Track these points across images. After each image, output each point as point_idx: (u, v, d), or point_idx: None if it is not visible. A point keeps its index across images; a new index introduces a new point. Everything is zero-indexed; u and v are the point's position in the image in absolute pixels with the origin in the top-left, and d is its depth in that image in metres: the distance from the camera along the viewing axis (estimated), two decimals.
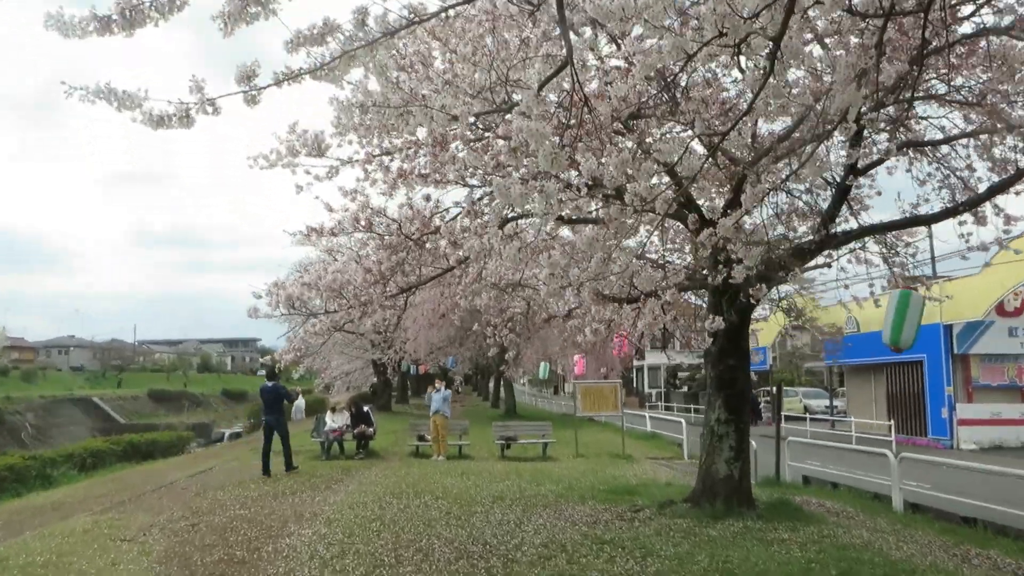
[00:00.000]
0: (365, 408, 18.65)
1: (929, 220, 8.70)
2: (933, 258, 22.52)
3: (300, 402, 17.89)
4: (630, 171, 6.04)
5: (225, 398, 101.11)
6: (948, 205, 8.89)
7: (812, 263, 9.19)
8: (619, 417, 21.25)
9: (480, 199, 7.99)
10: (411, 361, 39.16)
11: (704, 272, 9.62)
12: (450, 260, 9.84)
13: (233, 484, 12.99)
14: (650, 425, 24.41)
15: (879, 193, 10.42)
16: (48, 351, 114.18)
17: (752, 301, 9.26)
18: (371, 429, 17.81)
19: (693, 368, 55.90)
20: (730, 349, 9.64)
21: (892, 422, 24.77)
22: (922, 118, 9.35)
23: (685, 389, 56.74)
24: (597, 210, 8.38)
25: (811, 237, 8.52)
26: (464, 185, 8.04)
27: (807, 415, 34.23)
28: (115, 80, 4.40)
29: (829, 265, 9.07)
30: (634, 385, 61.53)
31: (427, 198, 7.97)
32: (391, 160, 8.28)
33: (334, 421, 17.46)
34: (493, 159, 6.78)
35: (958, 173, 9.44)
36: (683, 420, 20.68)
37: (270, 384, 15.76)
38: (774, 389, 41.26)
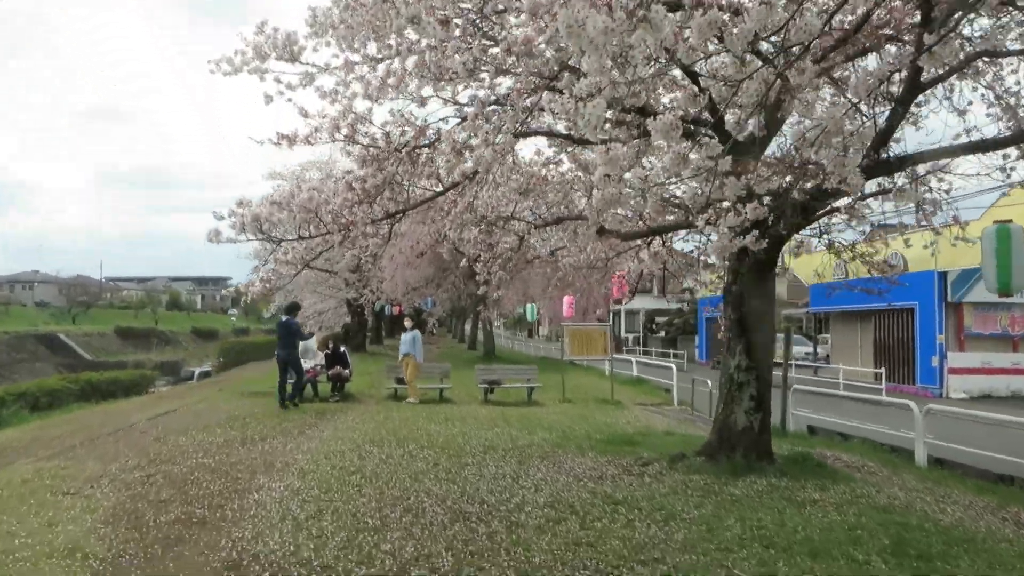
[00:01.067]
0: (341, 349, 17.55)
1: (991, 146, 7.65)
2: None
3: (311, 343, 16.98)
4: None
5: (195, 336, 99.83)
6: (1009, 131, 7.83)
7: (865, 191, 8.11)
8: (604, 361, 20.43)
9: (493, 102, 6.74)
10: (387, 301, 38.05)
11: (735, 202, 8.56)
12: (444, 180, 8.69)
13: (197, 428, 11.90)
14: (636, 370, 23.62)
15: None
16: (12, 286, 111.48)
17: (785, 233, 8.23)
18: (347, 371, 16.76)
19: (672, 313, 55.42)
20: (755, 289, 8.62)
21: (883, 370, 24.18)
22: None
23: (663, 334, 56.36)
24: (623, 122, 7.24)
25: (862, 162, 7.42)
26: (468, 83, 6.79)
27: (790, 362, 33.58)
28: None
29: (888, 191, 8.00)
30: (612, 329, 60.99)
31: (422, 102, 6.74)
32: (377, 66, 7.06)
33: (305, 361, 16.35)
34: (508, 48, 5.58)
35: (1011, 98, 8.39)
36: (674, 366, 19.85)
37: (284, 319, 16.03)
38: None
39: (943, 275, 24.32)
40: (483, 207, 11.54)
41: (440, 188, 8.70)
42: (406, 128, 6.83)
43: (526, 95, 5.79)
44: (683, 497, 7.39)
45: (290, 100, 7.17)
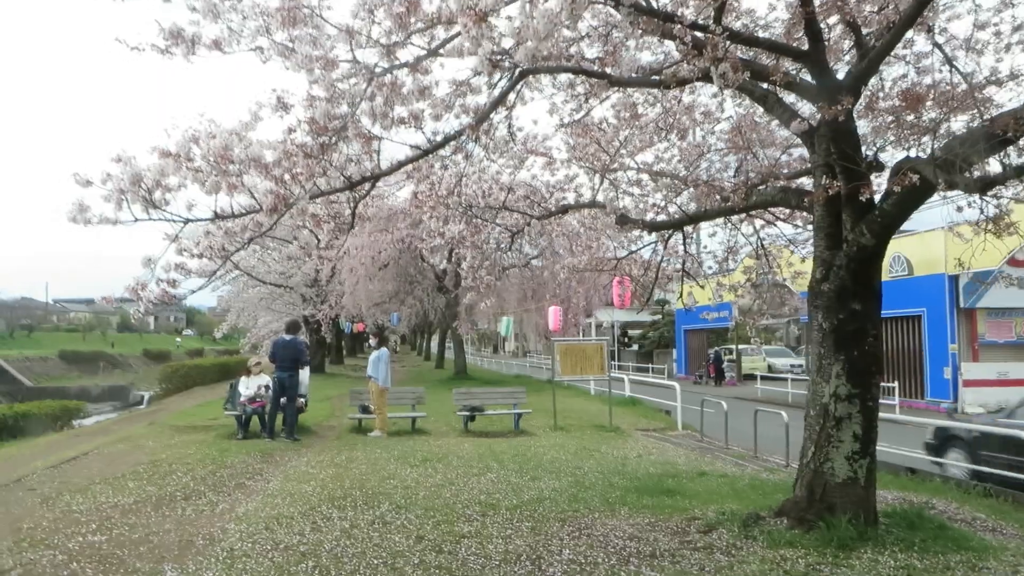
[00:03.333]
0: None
1: None
2: None
3: (306, 374, 14.20)
4: None
5: (146, 359, 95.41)
6: None
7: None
8: (591, 381, 18.09)
9: None
10: (348, 318, 35.32)
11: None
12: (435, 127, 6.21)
13: (105, 481, 9.24)
14: (629, 389, 21.24)
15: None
16: None
17: (904, 209, 5.94)
18: (303, 399, 14.09)
19: (646, 326, 53.33)
20: (856, 288, 6.29)
21: (896, 383, 22.15)
22: None
23: (636, 348, 54.25)
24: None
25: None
26: None
27: (760, 374, 31.52)
28: None
29: None
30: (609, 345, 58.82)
31: None
32: None
33: (248, 387, 13.68)
34: None
35: None
36: (676, 385, 17.52)
37: (288, 338, 13.71)
38: (735, 348, 39.12)
39: (954, 278, 22.46)
40: (472, 186, 9.13)
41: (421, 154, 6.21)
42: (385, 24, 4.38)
43: None
44: None
45: None
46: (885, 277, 21.96)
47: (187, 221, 4.88)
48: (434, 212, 8.14)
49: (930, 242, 23.01)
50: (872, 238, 6.08)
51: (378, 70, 4.49)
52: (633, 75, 6.19)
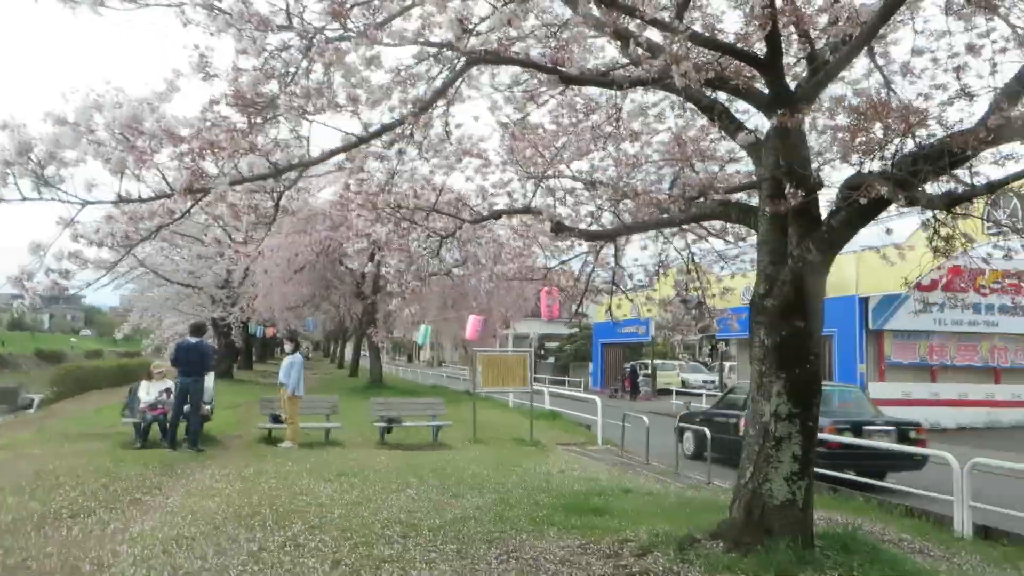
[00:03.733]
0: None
1: None
2: None
3: (210, 380, 13.24)
4: None
5: (39, 359, 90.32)
6: None
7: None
8: (515, 393, 17.78)
9: None
10: (259, 322, 34.11)
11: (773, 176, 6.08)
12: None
13: None
14: (548, 402, 20.99)
15: None
16: None
17: (852, 226, 5.81)
18: (208, 407, 13.24)
19: (563, 339, 53.49)
20: (798, 303, 6.13)
21: None
22: None
23: (552, 360, 54.31)
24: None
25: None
26: None
27: (674, 389, 31.98)
28: None
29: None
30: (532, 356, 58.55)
31: None
32: None
33: (149, 393, 12.79)
34: None
35: None
36: (597, 399, 17.35)
37: (193, 341, 12.89)
38: (651, 363, 39.56)
39: (864, 300, 23.15)
40: (400, 194, 8.67)
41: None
42: None
43: None
44: None
45: None
46: None
47: (85, 203, 4.27)
48: (361, 210, 7.64)
49: (842, 265, 23.67)
50: (819, 254, 5.94)
51: (322, 36, 4.01)
52: (586, 72, 5.88)
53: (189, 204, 4.28)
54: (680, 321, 12.25)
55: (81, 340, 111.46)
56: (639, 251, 11.28)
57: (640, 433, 14.89)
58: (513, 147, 8.51)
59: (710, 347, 49.66)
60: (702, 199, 8.14)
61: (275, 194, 5.37)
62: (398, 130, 5.12)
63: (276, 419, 13.75)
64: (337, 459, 11.69)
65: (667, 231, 10.56)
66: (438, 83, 5.27)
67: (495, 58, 5.19)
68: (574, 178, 9.54)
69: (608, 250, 11.14)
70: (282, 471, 10.34)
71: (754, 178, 8.67)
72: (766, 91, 6.02)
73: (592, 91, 8.59)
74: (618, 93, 8.36)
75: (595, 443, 16.30)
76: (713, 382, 38.40)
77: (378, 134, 5.16)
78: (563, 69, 5.47)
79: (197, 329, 12.93)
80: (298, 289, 28.15)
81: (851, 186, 5.39)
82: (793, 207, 5.94)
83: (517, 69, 7.15)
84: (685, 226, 10.50)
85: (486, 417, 18.36)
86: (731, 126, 6.80)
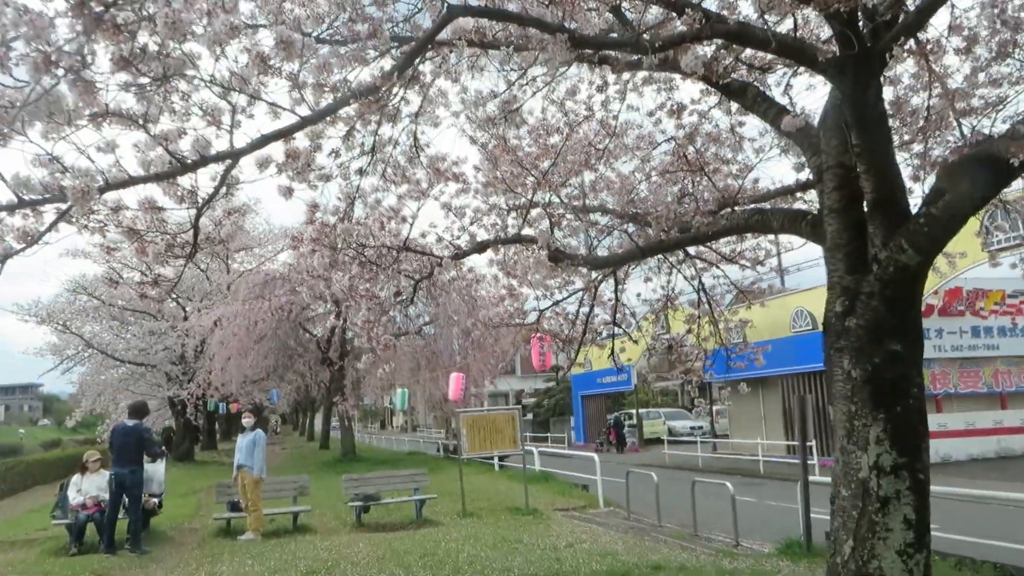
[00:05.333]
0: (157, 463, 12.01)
1: None
2: None
3: (159, 468, 11.32)
4: None
5: None
6: None
7: None
8: (507, 455, 16.14)
9: None
10: (220, 398, 32.00)
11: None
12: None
13: None
14: (539, 463, 19.30)
15: None
16: None
17: (961, 213, 4.48)
18: (155, 500, 11.41)
19: (540, 394, 51.74)
20: (892, 319, 4.74)
21: (814, 442, 21.23)
22: None
23: (530, 417, 52.39)
24: None
25: None
26: None
27: (667, 438, 30.36)
28: None
29: None
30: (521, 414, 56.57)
31: None
32: None
33: (82, 489, 10.96)
34: None
35: None
36: (595, 456, 15.74)
37: (130, 424, 10.91)
38: (635, 413, 38.00)
39: None
40: (363, 230, 7.24)
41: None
42: None
43: None
44: None
45: None
46: (787, 333, 21.04)
47: None
48: (316, 246, 6.17)
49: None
50: (915, 254, 4.57)
51: None
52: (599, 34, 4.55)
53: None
54: (666, 365, 10.87)
55: (39, 430, 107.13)
56: (641, 285, 9.95)
57: (642, 490, 13.39)
58: (498, 158, 7.13)
59: (695, 391, 48.22)
60: (728, 210, 6.82)
61: (190, 212, 3.92)
62: (369, 97, 3.69)
63: (235, 507, 11.93)
64: (306, 551, 9.94)
65: (672, 258, 9.24)
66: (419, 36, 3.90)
67: (481, 10, 3.84)
68: (567, 204, 8.18)
69: (606, 287, 9.78)
70: (240, 574, 8.58)
71: (781, 185, 7.42)
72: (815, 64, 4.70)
73: (585, 95, 7.32)
74: (613, 96, 7.11)
75: (596, 505, 14.67)
76: (701, 428, 36.84)
77: (331, 111, 3.73)
78: (574, 28, 4.11)
79: (136, 411, 11.14)
80: (259, 360, 26.29)
81: (979, 156, 4.07)
82: (873, 198, 4.62)
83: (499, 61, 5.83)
84: (693, 253, 9.22)
85: (473, 484, 16.66)
86: (771, 111, 5.51)
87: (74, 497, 10.93)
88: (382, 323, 8.30)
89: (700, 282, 9.45)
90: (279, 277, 25.46)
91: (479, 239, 7.76)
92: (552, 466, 19.88)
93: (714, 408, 36.93)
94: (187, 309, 28.88)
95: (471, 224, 7.78)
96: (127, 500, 10.45)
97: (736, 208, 6.85)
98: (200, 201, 3.65)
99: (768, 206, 6.96)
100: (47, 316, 28.60)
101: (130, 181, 3.13)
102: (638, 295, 9.79)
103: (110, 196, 3.40)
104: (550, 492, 16.32)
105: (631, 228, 8.49)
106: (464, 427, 13.63)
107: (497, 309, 9.17)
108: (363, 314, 7.66)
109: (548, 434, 41.62)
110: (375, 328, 7.76)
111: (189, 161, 3.24)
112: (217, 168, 3.74)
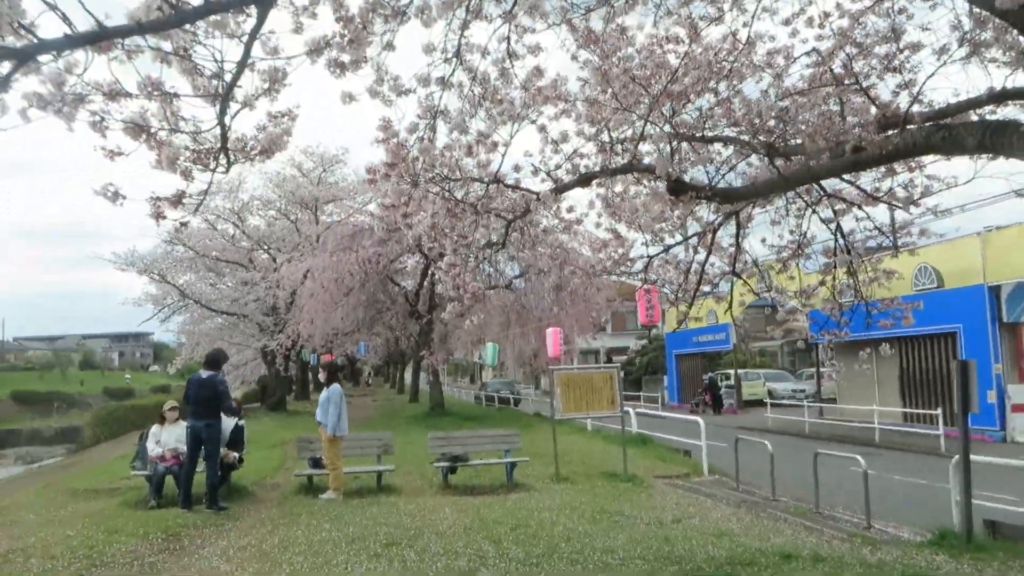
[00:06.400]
0: (239, 421, 11.44)
1: None
2: None
3: (228, 425, 10.69)
4: None
5: (108, 398, 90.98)
6: None
7: None
8: (604, 417, 15.12)
9: None
10: (311, 349, 32.11)
11: None
12: None
13: None
14: (636, 424, 18.19)
15: None
16: None
17: None
18: (235, 455, 10.88)
19: (631, 351, 50.38)
20: None
21: (940, 411, 19.41)
22: None
23: (623, 375, 51.04)
24: None
25: None
26: None
27: (769, 401, 28.50)
28: None
29: None
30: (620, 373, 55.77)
31: None
32: None
33: (160, 442, 10.53)
34: None
35: None
36: (700, 420, 14.51)
37: (205, 375, 10.13)
38: (733, 373, 36.24)
39: (995, 290, 19.80)
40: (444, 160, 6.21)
41: None
42: None
43: None
44: None
45: None
46: (908, 290, 18.84)
47: None
48: (392, 173, 5.17)
49: (964, 249, 20.43)
50: None
51: None
52: None
53: None
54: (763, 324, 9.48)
55: (149, 375, 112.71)
56: (763, 233, 8.57)
57: (747, 458, 12.19)
58: (606, 76, 5.92)
59: (800, 351, 45.91)
60: (897, 132, 5.45)
61: (216, 105, 2.94)
62: None
63: (316, 463, 11.32)
64: (389, 516, 9.18)
65: (808, 197, 7.87)
66: None
67: None
68: (683, 134, 6.90)
69: (724, 232, 8.49)
70: (315, 540, 7.86)
71: (966, 98, 5.95)
72: None
73: None
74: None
75: (700, 473, 13.52)
76: (804, 391, 34.86)
77: None
78: None
79: (212, 361, 10.52)
80: (348, 312, 25.96)
81: None
82: None
83: None
84: (830, 191, 7.81)
85: (566, 446, 15.73)
86: None
87: (152, 448, 10.51)
88: (469, 268, 7.30)
89: (838, 226, 8.05)
90: (367, 228, 24.95)
91: (582, 171, 6.61)
92: (649, 428, 18.74)
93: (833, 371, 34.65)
94: (277, 260, 28.84)
95: (573, 154, 6.62)
96: (204, 454, 9.92)
97: (904, 127, 5.46)
98: (223, 87, 2.69)
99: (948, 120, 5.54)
100: (145, 267, 29.02)
101: (103, 33, 2.16)
102: (763, 240, 8.45)
103: (103, 77, 2.47)
104: (649, 457, 15.23)
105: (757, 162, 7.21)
106: (559, 386, 12.63)
107: (600, 255, 8.00)
108: (448, 258, 6.67)
109: (640, 393, 40.29)
110: (462, 275, 6.77)
111: (189, 7, 2.25)
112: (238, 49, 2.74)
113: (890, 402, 23.88)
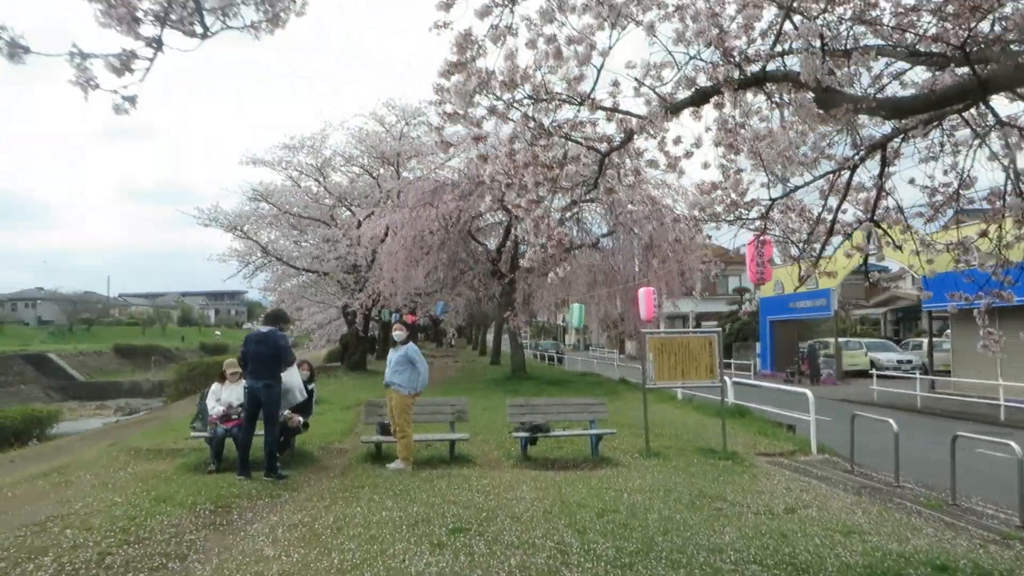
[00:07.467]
0: (310, 385, 10.64)
1: None
2: None
3: (293, 376, 9.69)
4: None
5: (203, 353, 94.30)
6: None
7: None
8: (698, 386, 13.79)
9: None
10: (393, 308, 31.61)
11: None
12: None
13: None
14: (733, 395, 16.74)
15: None
16: (14, 304, 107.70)
17: None
18: (299, 418, 10.06)
19: (723, 317, 48.21)
20: None
21: None
22: None
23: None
24: None
25: None
26: None
27: (874, 372, 26.24)
28: None
29: None
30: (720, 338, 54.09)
31: None
32: None
33: (220, 400, 9.81)
34: None
35: None
36: (808, 393, 12.98)
37: (263, 331, 9.34)
38: (834, 342, 34.00)
39: None
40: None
41: None
42: None
43: None
44: None
45: None
46: None
47: None
48: (458, 71, 4.00)
49: None
50: None
51: None
52: None
53: None
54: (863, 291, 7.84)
55: (243, 332, 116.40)
56: (917, 167, 7.03)
57: (859, 436, 10.74)
58: None
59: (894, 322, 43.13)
60: None
61: None
62: None
63: (385, 429, 10.44)
64: (459, 494, 8.17)
65: (978, 125, 6.31)
66: None
67: None
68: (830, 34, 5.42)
69: (862, 171, 6.98)
70: (373, 521, 6.90)
71: None
72: None
73: None
74: None
75: (807, 451, 12.09)
76: (911, 362, 32.42)
77: None
78: None
79: (272, 317, 9.69)
80: (429, 271, 25.16)
81: None
82: None
83: None
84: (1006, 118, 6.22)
85: (656, 417, 14.44)
86: None
87: (213, 407, 9.81)
88: (555, 209, 6.09)
89: (1012, 162, 6.46)
90: (449, 183, 23.97)
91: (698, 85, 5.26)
92: (744, 399, 17.27)
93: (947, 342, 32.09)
94: (359, 217, 28.28)
95: (687, 64, 5.26)
96: (263, 417, 9.12)
97: None
98: None
99: None
100: (229, 223, 28.90)
101: None
102: (911, 181, 6.92)
103: None
104: (748, 431, 13.84)
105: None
106: (652, 351, 11.36)
107: (710, 196, 6.63)
108: (531, 195, 5.47)
109: (731, 360, 38.42)
110: (546, 219, 5.59)
111: None
112: None
113: (1017, 376, 21.59)
